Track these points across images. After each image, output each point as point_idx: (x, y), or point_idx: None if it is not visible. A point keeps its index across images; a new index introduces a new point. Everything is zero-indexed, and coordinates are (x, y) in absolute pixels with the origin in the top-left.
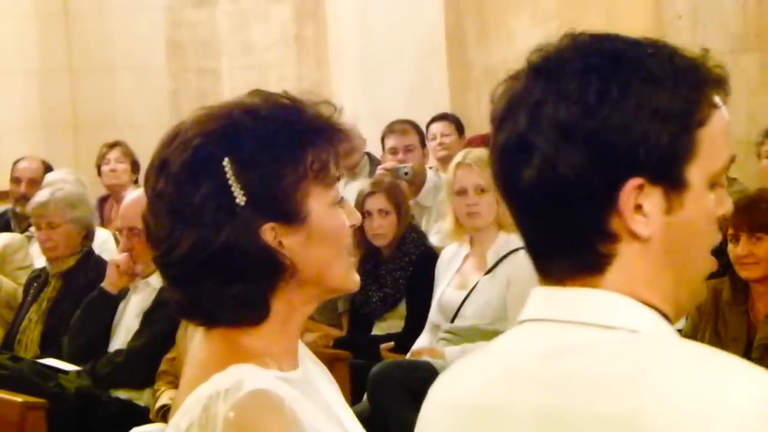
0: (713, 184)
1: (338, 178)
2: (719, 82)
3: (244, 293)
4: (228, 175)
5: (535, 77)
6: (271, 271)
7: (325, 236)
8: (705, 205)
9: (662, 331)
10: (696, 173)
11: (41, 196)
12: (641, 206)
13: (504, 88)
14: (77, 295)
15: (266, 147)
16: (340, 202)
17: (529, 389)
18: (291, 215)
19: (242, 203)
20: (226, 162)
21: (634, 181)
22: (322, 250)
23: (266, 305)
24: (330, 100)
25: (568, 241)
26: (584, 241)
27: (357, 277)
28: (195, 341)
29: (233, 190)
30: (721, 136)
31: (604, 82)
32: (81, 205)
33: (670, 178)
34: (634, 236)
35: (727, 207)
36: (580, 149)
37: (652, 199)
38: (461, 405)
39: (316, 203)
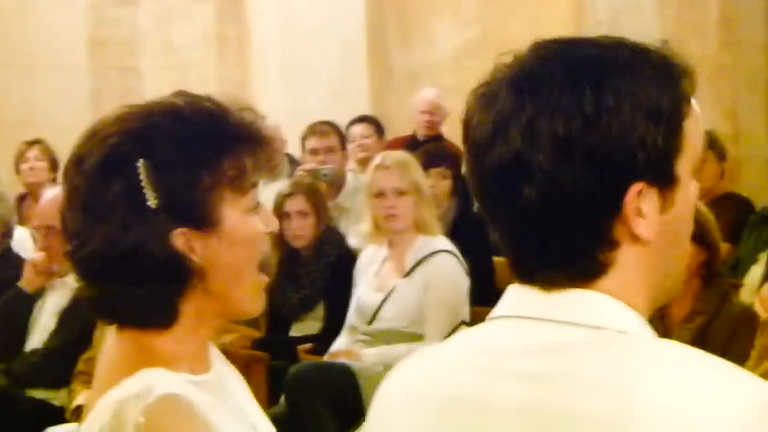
0: (696, 170)
1: (255, 185)
2: (688, 73)
3: (151, 295)
4: (141, 177)
5: (519, 92)
6: (180, 275)
7: (238, 242)
8: (690, 196)
9: (648, 332)
10: (683, 166)
11: None
12: (640, 209)
13: (481, 105)
14: None
15: (183, 151)
16: (255, 208)
17: (513, 383)
18: (203, 220)
19: (154, 206)
20: (140, 163)
21: (636, 186)
22: (234, 257)
23: (174, 309)
24: (253, 107)
25: (568, 253)
26: (584, 250)
27: (262, 302)
28: (107, 342)
29: (145, 192)
30: (697, 124)
31: (598, 90)
32: (3, 202)
33: (664, 177)
34: (635, 240)
35: (697, 192)
36: (583, 162)
37: (649, 200)
38: (434, 396)
39: (230, 209)
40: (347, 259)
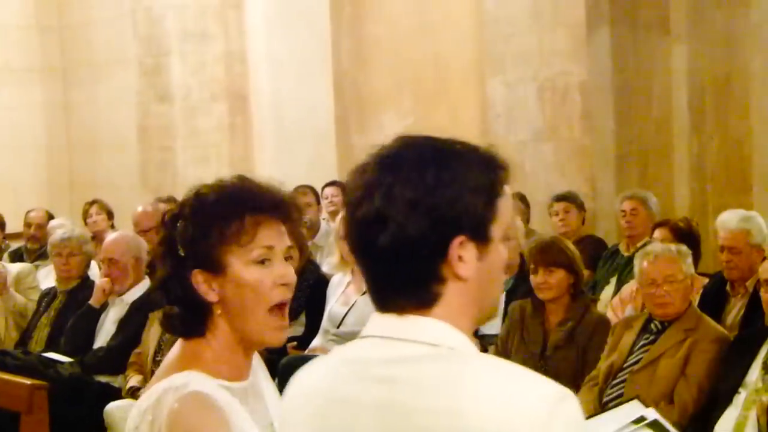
0: (506, 238)
1: (256, 240)
2: (505, 165)
3: (183, 314)
4: (177, 234)
5: (382, 167)
6: (198, 304)
7: (243, 286)
8: (499, 255)
9: (471, 348)
10: (496, 231)
11: (65, 233)
12: (462, 256)
13: (355, 176)
14: (77, 307)
15: (205, 218)
16: (263, 262)
17: (375, 386)
18: (214, 265)
19: (182, 254)
20: (179, 224)
21: (459, 238)
22: (243, 297)
23: (200, 326)
24: (280, 183)
25: (410, 285)
26: (422, 283)
27: (281, 336)
28: (173, 347)
29: (178, 245)
30: (508, 202)
31: (438, 169)
32: (88, 243)
33: (481, 235)
34: (457, 278)
35: (506, 253)
36: (424, 217)
37: (469, 250)
38: (320, 395)
39: (235, 259)
40: (322, 282)
